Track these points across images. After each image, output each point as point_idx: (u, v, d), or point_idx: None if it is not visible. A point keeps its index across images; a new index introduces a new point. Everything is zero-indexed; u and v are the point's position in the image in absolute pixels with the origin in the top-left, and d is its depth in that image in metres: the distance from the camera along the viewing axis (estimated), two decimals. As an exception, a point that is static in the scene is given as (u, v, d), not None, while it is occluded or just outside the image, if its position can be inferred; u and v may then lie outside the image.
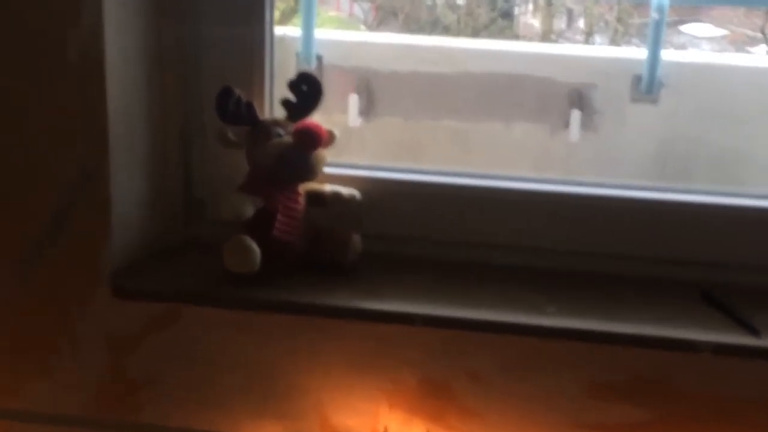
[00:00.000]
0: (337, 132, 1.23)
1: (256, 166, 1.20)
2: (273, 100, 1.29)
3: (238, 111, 1.18)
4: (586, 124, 1.83)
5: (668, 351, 1.12)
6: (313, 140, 1.16)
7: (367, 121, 1.85)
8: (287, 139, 1.17)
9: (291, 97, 1.20)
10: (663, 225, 1.28)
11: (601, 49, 2.52)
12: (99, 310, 1.25)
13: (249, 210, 1.14)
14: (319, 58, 1.77)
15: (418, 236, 1.32)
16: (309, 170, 1.19)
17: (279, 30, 1.37)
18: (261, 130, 1.19)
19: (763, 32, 2.63)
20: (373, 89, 1.86)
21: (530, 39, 2.60)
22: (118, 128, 1.18)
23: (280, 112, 1.23)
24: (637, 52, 1.91)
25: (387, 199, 1.30)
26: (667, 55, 1.80)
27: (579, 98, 1.85)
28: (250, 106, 1.19)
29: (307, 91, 1.19)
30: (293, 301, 1.16)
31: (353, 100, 1.81)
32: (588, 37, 2.75)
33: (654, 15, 1.77)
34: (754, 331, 1.09)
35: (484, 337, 1.18)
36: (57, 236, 1.22)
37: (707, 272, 1.26)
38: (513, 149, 1.82)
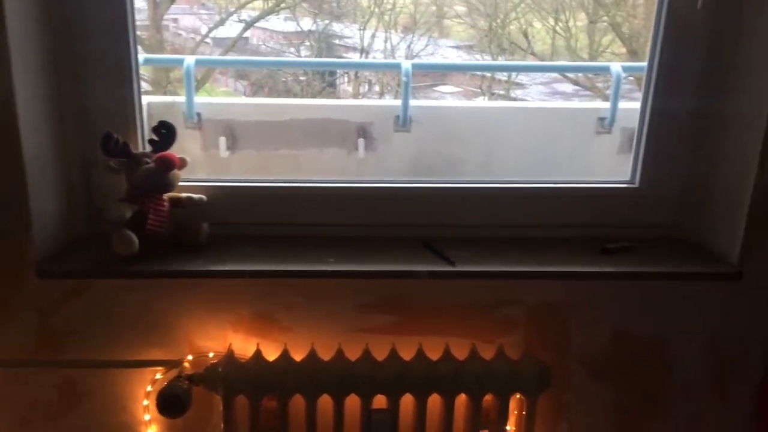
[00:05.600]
0: (188, 158, 1.36)
1: (132, 184, 1.34)
2: (144, 141, 1.43)
3: (117, 149, 1.31)
4: (368, 147, 2.22)
5: (402, 279, 1.36)
6: (168, 164, 1.31)
7: (232, 153, 2.16)
8: (152, 165, 1.32)
9: (155, 137, 1.36)
10: (407, 202, 1.49)
11: (373, 101, 3.29)
12: (27, 288, 1.36)
13: (128, 213, 1.29)
14: (199, 115, 2.10)
15: (247, 222, 1.47)
16: (167, 184, 1.33)
17: (171, 98, 1.47)
18: (134, 160, 1.34)
19: (480, 88, 3.48)
20: (235, 133, 2.15)
21: (346, 98, 3.39)
22: (31, 166, 1.26)
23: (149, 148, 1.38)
24: (395, 102, 2.42)
25: (226, 198, 1.45)
26: (415, 102, 2.32)
27: (363, 131, 2.19)
28: (126, 145, 1.33)
29: (166, 132, 1.36)
30: (164, 270, 1.31)
31: (222, 141, 2.11)
32: (381, 95, 3.53)
33: (404, 78, 2.17)
34: (451, 263, 1.38)
35: (291, 281, 1.37)
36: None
37: (428, 230, 1.49)
38: (325, 164, 2.18)
